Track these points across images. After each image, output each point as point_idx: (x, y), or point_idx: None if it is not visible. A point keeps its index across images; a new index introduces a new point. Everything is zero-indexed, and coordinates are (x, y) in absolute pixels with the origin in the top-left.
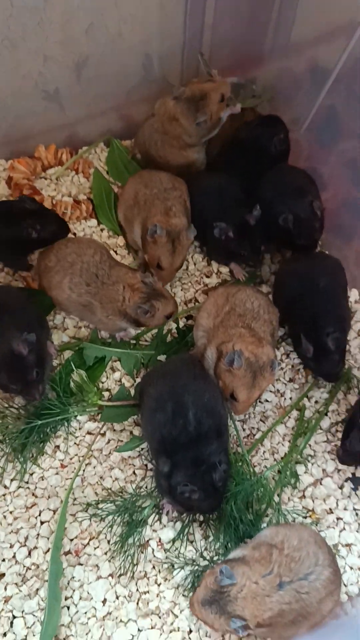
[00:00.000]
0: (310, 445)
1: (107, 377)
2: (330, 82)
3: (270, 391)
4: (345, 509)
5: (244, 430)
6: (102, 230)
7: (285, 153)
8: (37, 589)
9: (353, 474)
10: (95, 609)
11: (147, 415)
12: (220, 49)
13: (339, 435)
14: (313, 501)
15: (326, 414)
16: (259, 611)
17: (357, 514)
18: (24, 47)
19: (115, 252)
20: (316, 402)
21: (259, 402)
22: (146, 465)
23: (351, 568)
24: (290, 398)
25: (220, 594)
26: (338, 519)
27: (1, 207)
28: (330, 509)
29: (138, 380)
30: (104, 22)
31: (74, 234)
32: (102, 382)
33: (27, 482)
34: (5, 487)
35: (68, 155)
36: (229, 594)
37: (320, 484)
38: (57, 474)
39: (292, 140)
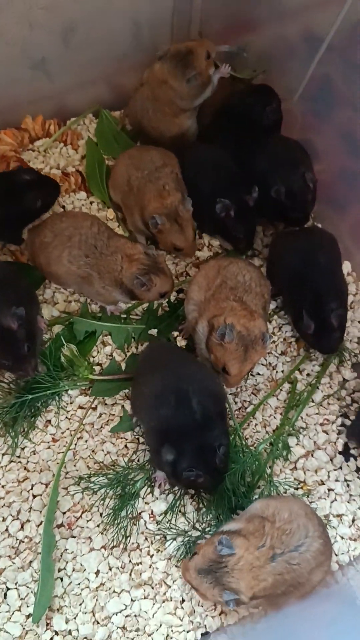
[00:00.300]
0: (302, 418)
1: (98, 352)
2: (323, 49)
3: (262, 364)
4: (336, 480)
5: (235, 403)
6: (91, 203)
7: (278, 123)
8: (30, 562)
9: (344, 448)
10: (88, 580)
11: (148, 412)
12: (211, 14)
13: (331, 408)
14: (304, 473)
15: (318, 387)
16: (255, 581)
17: (348, 485)
18: (9, 12)
19: None
20: (308, 374)
21: (251, 375)
22: (138, 438)
23: (342, 538)
24: (282, 371)
25: (217, 564)
26: (329, 490)
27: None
28: (321, 481)
29: (129, 354)
30: None
31: (63, 207)
32: (93, 357)
33: (18, 457)
34: None
35: (56, 127)
36: (226, 565)
37: (312, 456)
38: (48, 448)
39: (285, 110)
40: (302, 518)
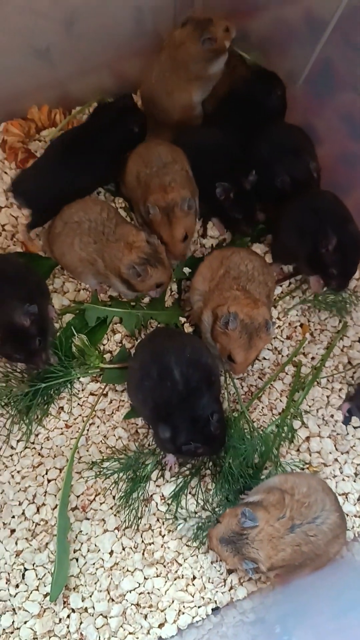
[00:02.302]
0: (307, 400)
1: (108, 340)
2: (327, 33)
3: (268, 349)
4: (344, 462)
5: (242, 387)
6: (98, 193)
7: (282, 110)
8: (47, 543)
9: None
10: (102, 560)
11: (134, 386)
12: None
13: (336, 389)
14: (310, 455)
15: (322, 370)
16: (273, 551)
17: (353, 465)
18: (12, 1)
19: None
20: (312, 358)
21: (257, 360)
22: (148, 424)
23: (347, 515)
24: (288, 355)
25: (239, 536)
26: (335, 470)
27: (105, 113)
28: (327, 462)
29: (138, 341)
30: None
31: None
32: (104, 345)
33: (33, 443)
34: (12, 447)
35: (61, 116)
36: (247, 537)
37: (318, 437)
38: (62, 434)
39: (287, 95)
40: (319, 492)
